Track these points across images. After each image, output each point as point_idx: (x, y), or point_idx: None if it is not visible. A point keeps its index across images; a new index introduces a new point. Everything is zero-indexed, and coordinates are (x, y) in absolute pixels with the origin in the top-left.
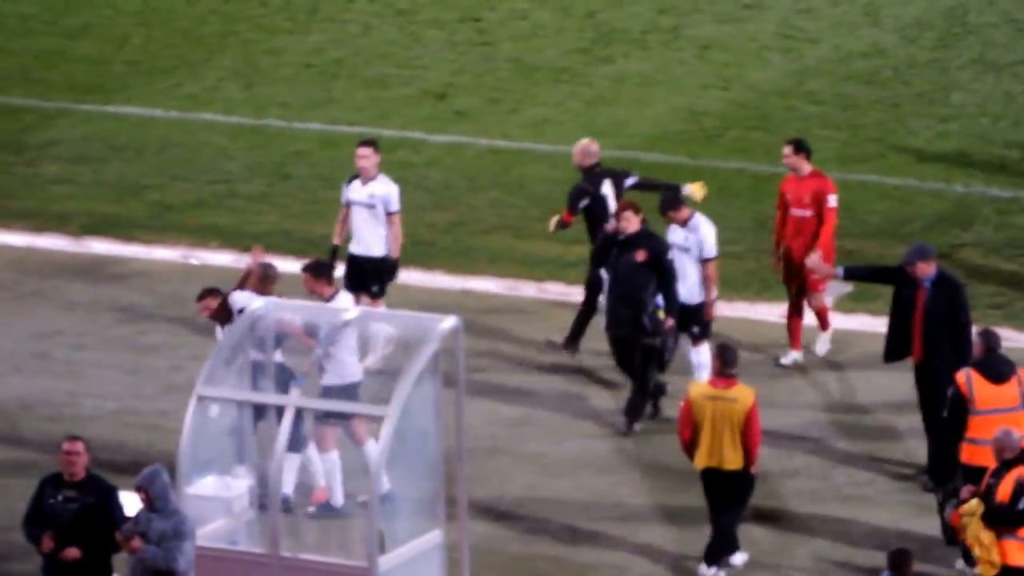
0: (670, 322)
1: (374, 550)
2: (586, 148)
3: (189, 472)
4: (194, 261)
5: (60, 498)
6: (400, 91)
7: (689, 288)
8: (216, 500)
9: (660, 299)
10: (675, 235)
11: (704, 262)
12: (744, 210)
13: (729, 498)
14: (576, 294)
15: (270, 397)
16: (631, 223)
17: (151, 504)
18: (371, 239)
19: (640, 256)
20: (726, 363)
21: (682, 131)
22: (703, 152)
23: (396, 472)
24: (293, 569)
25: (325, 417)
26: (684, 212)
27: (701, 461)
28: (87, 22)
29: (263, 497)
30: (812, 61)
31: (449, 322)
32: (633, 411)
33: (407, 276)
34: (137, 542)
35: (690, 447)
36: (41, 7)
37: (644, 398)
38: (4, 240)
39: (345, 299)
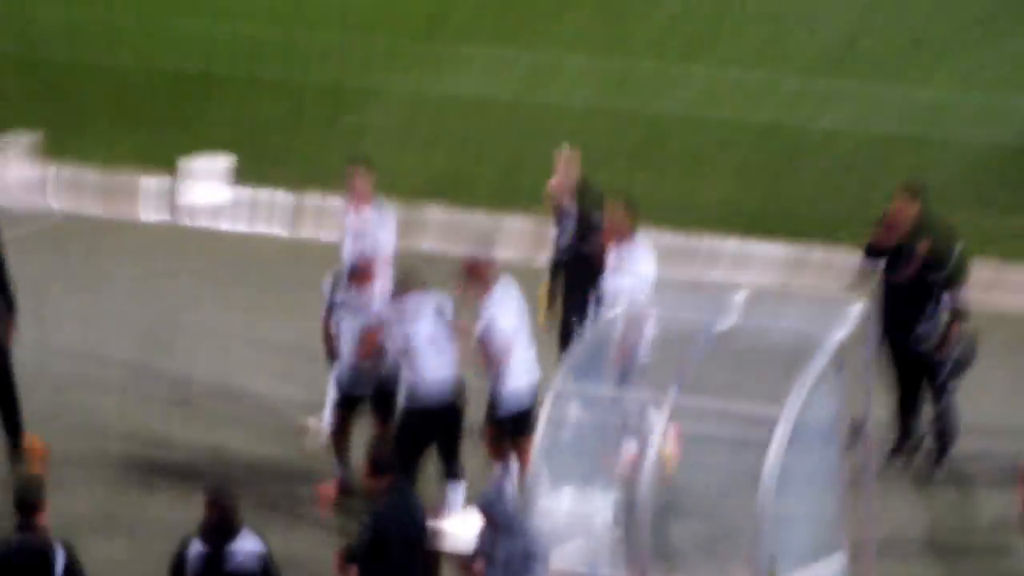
0: (957, 328)
1: None
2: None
3: (543, 483)
4: None
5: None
6: None
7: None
8: (574, 517)
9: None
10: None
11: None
12: None
13: None
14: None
15: (641, 395)
16: (907, 208)
17: (494, 523)
18: None
19: (922, 249)
20: None
21: None
22: None
23: (789, 485)
24: None
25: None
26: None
27: None
28: None
29: (629, 513)
30: None
31: (858, 308)
32: (943, 435)
33: (805, 253)
34: (480, 565)
35: None
36: None
37: (951, 417)
38: (317, 235)
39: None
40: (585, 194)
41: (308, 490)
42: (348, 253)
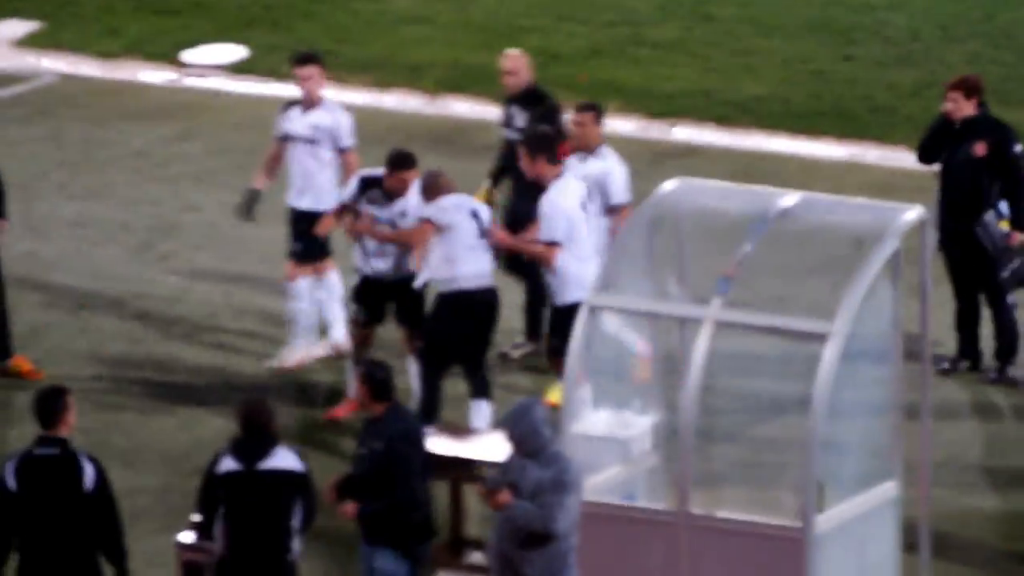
0: (1018, 237)
1: (811, 506)
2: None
3: (576, 404)
4: None
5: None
6: None
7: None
8: (609, 442)
9: (1004, 206)
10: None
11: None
12: None
13: None
14: None
15: (682, 308)
16: (962, 105)
17: (522, 447)
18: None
19: (979, 150)
20: None
21: None
22: None
23: (839, 406)
24: (705, 531)
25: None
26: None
27: None
28: None
29: (670, 437)
30: None
31: (913, 213)
32: (1004, 350)
33: (862, 152)
34: (505, 495)
35: None
36: None
37: (1011, 331)
38: (340, 98)
39: (573, 183)
40: (536, 101)
41: (319, 413)
42: (297, 162)
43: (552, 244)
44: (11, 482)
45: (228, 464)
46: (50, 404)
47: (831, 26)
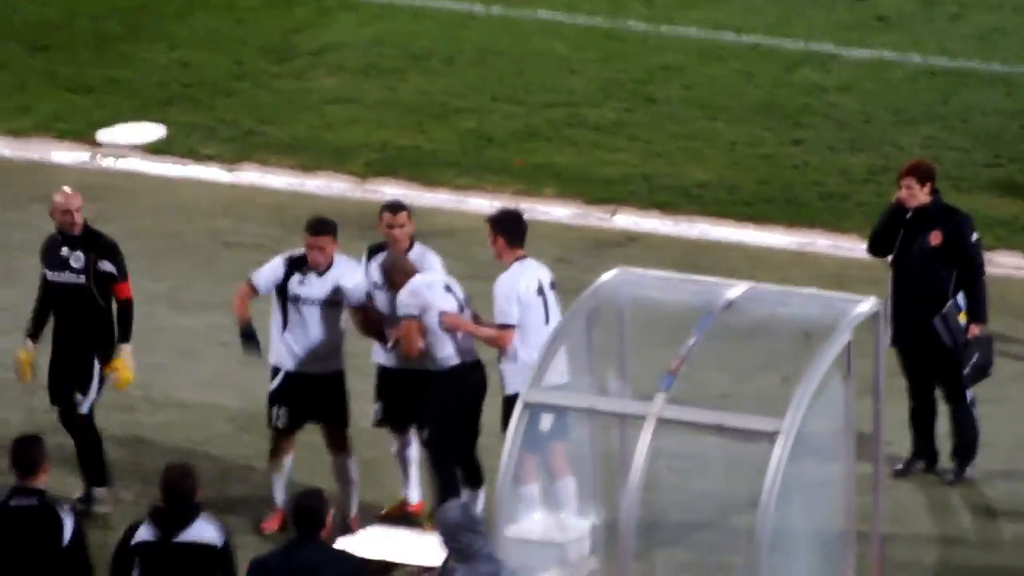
0: (975, 330)
1: None
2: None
3: (511, 507)
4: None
5: None
6: None
7: None
8: (546, 546)
9: (962, 298)
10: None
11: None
12: None
13: None
14: None
15: (623, 404)
16: (916, 193)
17: (451, 551)
18: None
19: (934, 239)
20: None
21: None
22: None
23: (790, 507)
24: None
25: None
26: None
27: None
28: None
29: (609, 540)
30: None
31: (867, 305)
32: (962, 450)
33: (812, 241)
34: None
35: None
36: None
37: (970, 429)
38: (262, 181)
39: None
40: (94, 239)
41: (244, 522)
42: None
43: (504, 327)
44: None
45: (143, 533)
46: (30, 453)
47: (779, 109)
